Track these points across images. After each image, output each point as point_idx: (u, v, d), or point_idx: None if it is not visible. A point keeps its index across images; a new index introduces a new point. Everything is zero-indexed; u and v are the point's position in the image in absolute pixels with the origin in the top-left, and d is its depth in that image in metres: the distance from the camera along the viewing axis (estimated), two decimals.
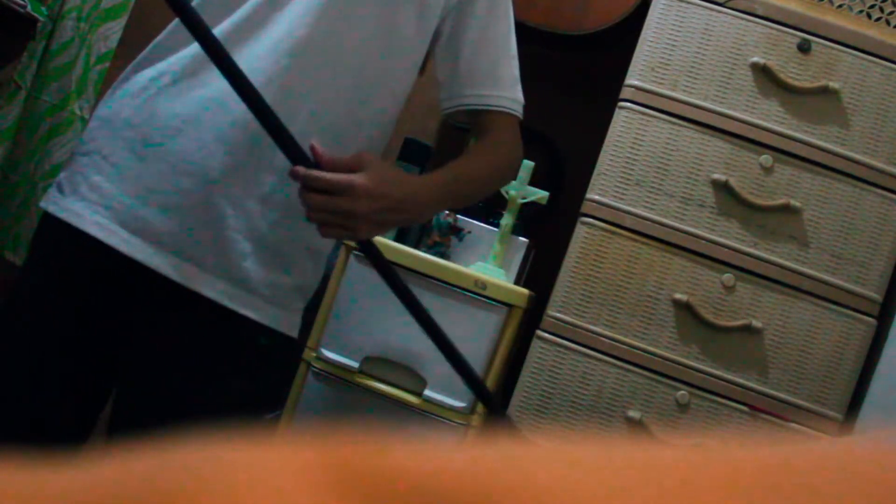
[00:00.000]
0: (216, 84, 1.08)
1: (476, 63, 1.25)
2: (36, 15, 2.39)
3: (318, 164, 1.04)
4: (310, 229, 1.10)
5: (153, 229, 1.10)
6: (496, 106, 1.26)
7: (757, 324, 1.68)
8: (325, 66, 1.14)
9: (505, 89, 1.27)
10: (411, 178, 1.20)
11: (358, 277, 1.81)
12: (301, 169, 1.03)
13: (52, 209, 1.15)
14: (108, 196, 1.11)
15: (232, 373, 1.17)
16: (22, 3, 2.34)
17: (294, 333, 1.22)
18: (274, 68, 1.11)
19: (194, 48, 1.12)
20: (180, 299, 1.12)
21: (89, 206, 1.11)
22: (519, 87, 1.29)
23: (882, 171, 1.70)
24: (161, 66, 1.15)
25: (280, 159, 1.07)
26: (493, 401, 1.11)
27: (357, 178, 1.05)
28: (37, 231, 1.22)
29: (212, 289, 1.12)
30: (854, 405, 1.69)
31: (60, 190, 1.15)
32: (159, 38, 1.18)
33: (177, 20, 1.15)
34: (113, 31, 2.51)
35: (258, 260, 1.14)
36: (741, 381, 1.69)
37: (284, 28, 1.12)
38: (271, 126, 1.01)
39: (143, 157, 1.11)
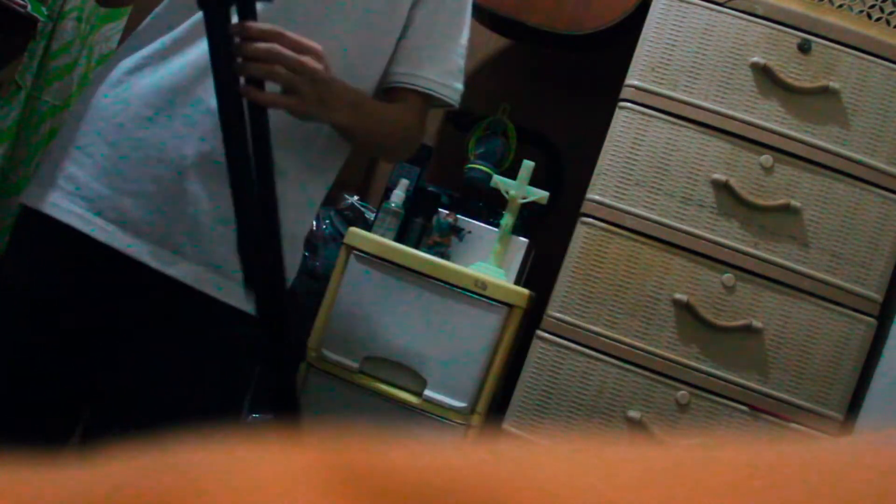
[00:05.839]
0: (185, 72, 1.10)
1: (414, 45, 1.26)
2: (36, 15, 2.39)
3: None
4: (286, 214, 1.09)
5: (130, 218, 1.11)
6: (409, 84, 1.26)
7: (757, 324, 1.68)
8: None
9: (425, 70, 1.26)
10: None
11: (358, 277, 1.81)
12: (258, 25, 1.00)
13: (29, 202, 1.15)
14: (85, 186, 1.12)
15: (208, 363, 1.16)
16: (22, 3, 2.34)
17: None
18: None
19: (168, 37, 1.13)
20: (160, 288, 1.12)
21: (66, 196, 1.12)
22: (456, 75, 1.29)
23: (882, 171, 1.69)
24: (135, 56, 1.16)
25: None
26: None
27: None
28: (15, 225, 1.22)
29: (189, 275, 1.12)
30: (854, 405, 1.69)
31: (37, 184, 1.16)
32: (139, 28, 1.20)
33: (154, 13, 1.17)
34: (114, 32, 2.51)
35: (234, 245, 1.14)
36: (741, 381, 1.69)
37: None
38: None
39: (119, 147, 1.12)
